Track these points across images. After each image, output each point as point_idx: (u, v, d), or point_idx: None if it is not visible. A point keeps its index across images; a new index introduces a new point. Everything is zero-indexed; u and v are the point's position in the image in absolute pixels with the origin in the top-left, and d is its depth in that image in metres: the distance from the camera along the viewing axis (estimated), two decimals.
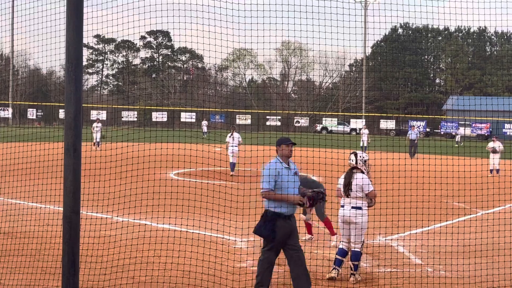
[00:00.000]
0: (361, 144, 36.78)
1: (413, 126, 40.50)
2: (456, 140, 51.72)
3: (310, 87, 75.01)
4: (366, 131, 40.12)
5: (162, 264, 8.63)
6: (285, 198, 7.14)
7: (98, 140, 34.41)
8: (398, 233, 11.19)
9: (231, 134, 23.15)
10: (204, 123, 59.40)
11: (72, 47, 5.25)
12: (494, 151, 24.67)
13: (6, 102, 71.66)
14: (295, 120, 72.31)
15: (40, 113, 74.29)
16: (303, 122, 72.73)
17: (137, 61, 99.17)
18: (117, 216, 11.98)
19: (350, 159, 8.63)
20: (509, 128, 66.29)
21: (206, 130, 56.82)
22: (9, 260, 8.68)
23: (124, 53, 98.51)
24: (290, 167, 7.36)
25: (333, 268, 8.44)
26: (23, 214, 11.43)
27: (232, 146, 22.79)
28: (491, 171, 24.33)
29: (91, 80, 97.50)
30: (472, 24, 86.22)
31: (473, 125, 67.07)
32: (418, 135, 36.61)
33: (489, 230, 9.95)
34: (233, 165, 22.52)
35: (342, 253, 8.52)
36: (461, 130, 56.05)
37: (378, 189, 8.25)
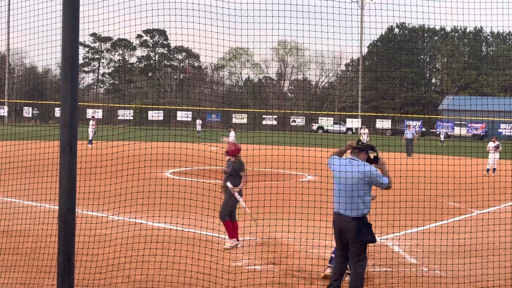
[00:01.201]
0: None
1: (409, 125, 40.84)
2: (441, 139, 52.01)
3: (306, 87, 75.00)
4: (366, 130, 40.26)
5: (157, 263, 8.63)
6: (386, 170, 7.67)
7: (90, 138, 34.41)
8: (393, 233, 11.22)
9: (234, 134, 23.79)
10: (198, 121, 59.29)
11: (68, 45, 5.25)
12: (496, 149, 24.74)
13: (1, 100, 71.50)
14: (291, 119, 72.36)
15: (36, 112, 74.15)
16: (299, 121, 72.77)
17: (133, 59, 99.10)
18: (113, 215, 11.97)
19: None
20: (505, 128, 66.45)
21: (199, 129, 56.65)
22: (4, 258, 8.67)
23: (120, 52, 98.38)
24: None
25: (328, 267, 8.44)
26: (19, 212, 11.41)
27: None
28: (488, 170, 24.37)
29: (87, 79, 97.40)
30: (468, 24, 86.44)
31: (469, 125, 67.22)
32: (414, 134, 36.95)
33: (484, 230, 9.98)
34: None
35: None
36: (444, 130, 56.21)
37: (374, 189, 8.25)
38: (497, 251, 9.86)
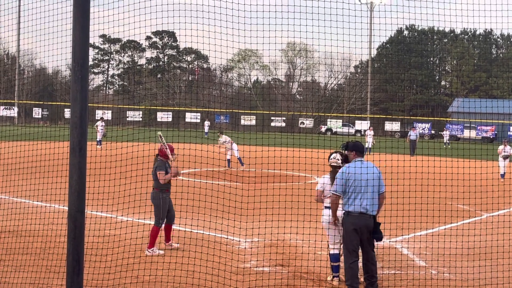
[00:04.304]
0: (365, 146, 36.73)
1: (414, 127, 41.34)
2: (445, 141, 51.89)
3: (315, 88, 74.93)
4: (372, 132, 40.08)
5: (166, 264, 8.65)
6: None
7: (99, 139, 34.42)
8: (402, 235, 11.18)
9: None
10: (206, 123, 59.31)
11: (78, 46, 5.27)
12: (506, 156, 24.01)
13: (12, 101, 71.87)
14: (300, 121, 72.29)
15: (45, 112, 74.49)
16: (308, 123, 72.70)
17: (142, 61, 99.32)
18: (122, 216, 12.01)
19: (336, 158, 8.36)
20: None
21: (207, 131, 56.61)
22: (13, 258, 8.71)
23: (130, 53, 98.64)
24: None
25: (334, 277, 8.33)
26: (28, 212, 11.47)
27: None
28: (502, 175, 23.53)
29: (96, 80, 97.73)
30: (478, 26, 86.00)
31: (479, 127, 66.89)
32: (418, 136, 37.96)
33: (493, 232, 9.94)
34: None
35: (337, 258, 8.29)
36: (447, 132, 56.19)
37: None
38: (507, 254, 9.80)
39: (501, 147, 24.52)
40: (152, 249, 9.71)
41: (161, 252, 9.74)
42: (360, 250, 7.75)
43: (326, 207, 8.32)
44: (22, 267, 8.29)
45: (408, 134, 38.33)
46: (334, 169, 8.26)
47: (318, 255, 9.67)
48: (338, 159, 8.36)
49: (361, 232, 7.56)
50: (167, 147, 10.03)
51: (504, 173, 23.64)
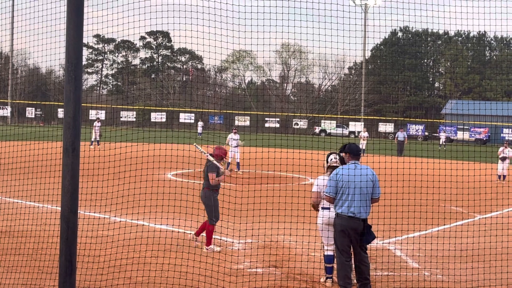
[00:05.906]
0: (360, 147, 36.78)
1: (401, 128, 42.09)
2: (440, 143, 52.33)
3: (309, 90, 75.07)
4: (366, 134, 40.19)
5: (159, 265, 8.63)
6: None
7: (97, 139, 34.25)
8: (395, 237, 11.20)
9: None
10: (200, 124, 59.24)
11: (72, 46, 5.26)
12: (503, 158, 23.86)
13: (5, 100, 71.63)
14: (294, 122, 72.36)
15: (39, 112, 74.29)
16: (302, 124, 72.79)
17: (136, 61, 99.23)
18: (115, 216, 11.98)
19: (336, 159, 8.37)
20: (508, 133, 66.30)
21: (200, 131, 56.45)
22: (6, 259, 8.67)
23: (124, 53, 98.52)
24: None
25: (327, 278, 8.33)
26: (21, 213, 11.42)
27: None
28: (499, 176, 23.59)
29: (90, 80, 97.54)
30: (471, 29, 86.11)
31: (472, 129, 67.12)
32: (405, 136, 39.45)
33: (486, 234, 9.96)
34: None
35: (331, 260, 8.28)
36: (443, 134, 56.56)
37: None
38: (500, 256, 9.83)
39: (501, 149, 24.58)
40: (210, 246, 9.96)
41: (218, 249, 9.97)
42: (352, 252, 7.75)
43: (323, 208, 8.32)
44: (14, 267, 8.25)
45: (396, 135, 39.62)
46: (333, 170, 8.25)
47: (312, 256, 9.67)
48: (337, 159, 8.39)
49: (349, 234, 7.53)
50: (207, 154, 10.37)
51: (499, 175, 23.66)
